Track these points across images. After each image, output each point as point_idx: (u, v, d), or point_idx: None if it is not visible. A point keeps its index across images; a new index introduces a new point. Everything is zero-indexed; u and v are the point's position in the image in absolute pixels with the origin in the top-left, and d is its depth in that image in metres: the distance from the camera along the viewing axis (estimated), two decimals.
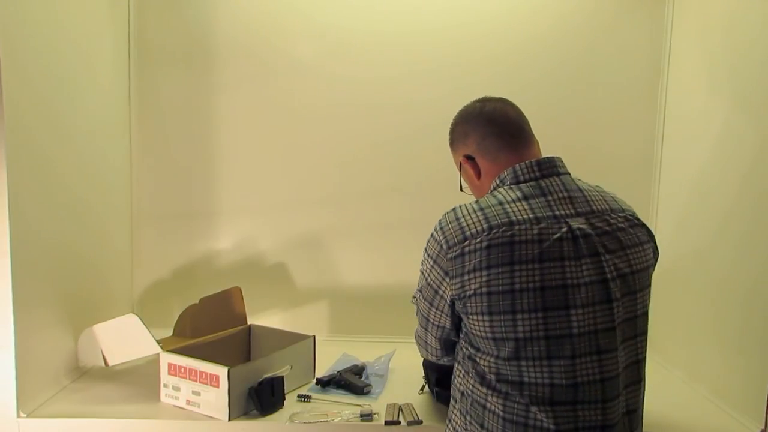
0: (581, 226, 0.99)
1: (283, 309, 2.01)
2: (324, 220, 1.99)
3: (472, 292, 0.97)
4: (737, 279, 1.48)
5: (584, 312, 0.96)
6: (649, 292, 1.07)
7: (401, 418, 1.38)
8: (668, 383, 1.66)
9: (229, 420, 1.36)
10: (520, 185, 1.04)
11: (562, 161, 1.09)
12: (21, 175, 1.34)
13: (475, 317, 0.98)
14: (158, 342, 1.51)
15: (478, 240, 0.96)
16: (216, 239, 2.01)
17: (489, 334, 0.98)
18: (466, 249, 0.97)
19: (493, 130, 1.10)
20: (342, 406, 1.44)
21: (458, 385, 1.08)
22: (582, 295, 0.96)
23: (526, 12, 1.90)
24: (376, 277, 2.00)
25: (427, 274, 1.05)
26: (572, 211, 1.01)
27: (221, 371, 1.35)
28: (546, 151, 1.12)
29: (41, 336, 1.46)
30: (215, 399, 1.37)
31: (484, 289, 0.96)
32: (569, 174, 1.08)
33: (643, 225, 1.07)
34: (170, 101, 1.95)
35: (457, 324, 1.07)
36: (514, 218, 0.97)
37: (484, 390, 1.01)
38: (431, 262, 1.03)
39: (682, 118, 1.82)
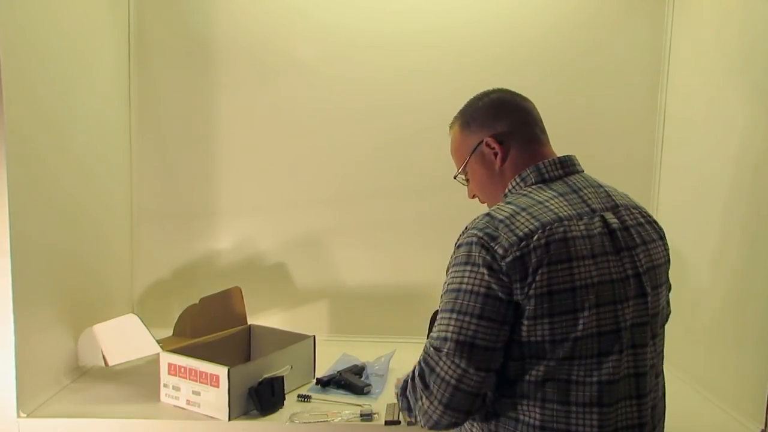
0: (613, 220, 0.98)
1: (283, 309, 2.01)
2: (324, 220, 1.99)
3: (532, 293, 0.90)
4: (737, 280, 1.48)
5: (624, 306, 0.94)
6: (668, 287, 1.07)
7: (401, 418, 1.38)
8: (669, 384, 1.65)
9: (229, 420, 1.36)
10: (548, 183, 1.01)
11: (577, 159, 1.07)
12: (21, 175, 1.34)
13: (532, 321, 0.91)
14: (158, 342, 1.51)
15: (535, 238, 0.91)
16: (216, 239, 2.01)
17: (547, 337, 0.91)
18: (525, 249, 0.90)
19: (529, 120, 1.07)
20: (342, 406, 1.44)
21: None
22: (624, 289, 0.95)
23: (526, 13, 1.90)
24: (377, 277, 2.00)
25: (486, 287, 0.91)
26: (602, 205, 0.99)
27: (221, 371, 1.35)
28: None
29: (41, 336, 1.46)
30: (215, 399, 1.37)
31: (545, 289, 0.90)
32: (584, 172, 1.07)
33: (655, 222, 1.06)
34: (170, 101, 1.95)
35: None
36: (562, 214, 0.94)
37: (516, 401, 0.94)
38: (486, 270, 0.91)
39: (682, 120, 1.82)
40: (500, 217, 0.94)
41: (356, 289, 2.01)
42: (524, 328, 0.92)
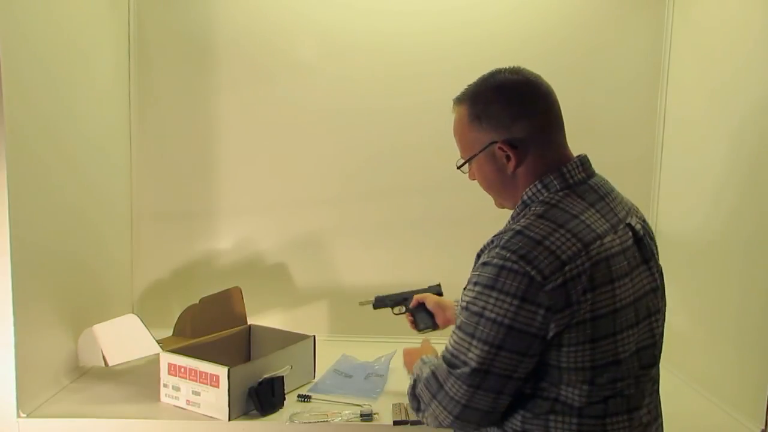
0: (638, 226, 0.94)
1: (283, 309, 2.01)
2: (324, 220, 1.99)
3: (574, 321, 0.84)
4: (737, 282, 1.48)
5: (658, 317, 0.95)
6: None
7: (409, 417, 1.38)
8: (668, 383, 1.65)
9: (229, 420, 1.36)
10: (574, 189, 0.92)
11: None
12: (21, 174, 1.34)
13: (573, 348, 0.86)
14: (158, 342, 1.51)
15: (579, 262, 0.83)
16: (216, 239, 2.00)
17: (588, 363, 0.86)
18: (569, 275, 0.83)
19: (550, 121, 0.96)
20: (342, 406, 1.44)
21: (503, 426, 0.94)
22: (655, 299, 0.94)
23: (527, 13, 1.90)
24: (377, 277, 2.00)
25: (511, 318, 0.84)
26: (625, 211, 0.94)
27: (221, 371, 1.35)
28: None
29: (41, 336, 1.46)
30: (215, 399, 1.37)
31: (587, 315, 0.84)
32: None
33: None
34: (170, 101, 1.95)
35: None
36: (599, 231, 0.87)
37: (548, 418, 0.90)
38: (517, 302, 0.83)
39: (682, 122, 1.81)
40: (536, 236, 0.85)
41: (356, 289, 2.01)
42: (563, 356, 0.87)
